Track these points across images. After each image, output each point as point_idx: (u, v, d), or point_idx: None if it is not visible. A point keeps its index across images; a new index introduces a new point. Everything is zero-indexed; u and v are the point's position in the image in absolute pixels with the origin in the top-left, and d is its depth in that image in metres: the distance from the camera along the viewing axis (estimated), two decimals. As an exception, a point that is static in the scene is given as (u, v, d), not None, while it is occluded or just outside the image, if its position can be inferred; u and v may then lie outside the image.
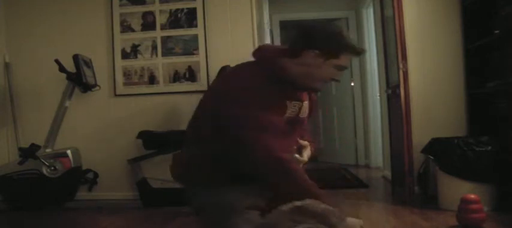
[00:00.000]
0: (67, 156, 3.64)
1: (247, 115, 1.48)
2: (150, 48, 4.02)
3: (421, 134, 3.50)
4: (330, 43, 1.56)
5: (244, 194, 1.52)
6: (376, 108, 5.54)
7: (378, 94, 5.25)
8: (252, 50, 4.14)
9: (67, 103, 3.74)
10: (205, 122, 1.59)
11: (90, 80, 3.75)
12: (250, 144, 1.45)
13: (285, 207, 1.34)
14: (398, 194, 3.61)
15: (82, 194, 3.89)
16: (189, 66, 3.97)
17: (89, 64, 3.83)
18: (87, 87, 3.73)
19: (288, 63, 1.57)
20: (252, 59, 1.68)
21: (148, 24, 4.03)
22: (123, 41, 4.04)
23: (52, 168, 3.60)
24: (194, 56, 3.96)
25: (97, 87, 3.91)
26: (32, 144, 3.63)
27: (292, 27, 1.65)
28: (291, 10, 6.21)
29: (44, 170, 3.61)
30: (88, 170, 3.84)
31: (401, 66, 3.40)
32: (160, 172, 3.59)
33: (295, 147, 1.72)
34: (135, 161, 3.73)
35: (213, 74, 3.79)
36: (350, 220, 1.43)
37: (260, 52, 1.64)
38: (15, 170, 3.63)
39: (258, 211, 1.46)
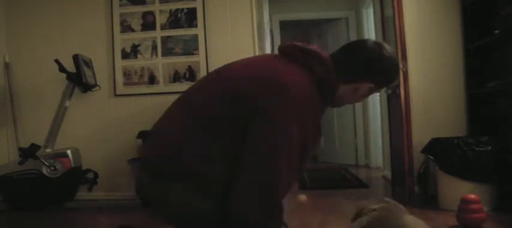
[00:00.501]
0: (67, 156, 3.64)
1: (291, 138, 1.24)
2: (150, 48, 4.02)
3: (421, 134, 3.50)
4: (389, 78, 1.48)
5: None
6: (376, 108, 5.54)
7: (378, 94, 5.25)
8: (252, 50, 4.14)
9: (67, 103, 3.74)
10: (220, 109, 1.31)
11: (90, 80, 3.75)
12: (267, 175, 1.22)
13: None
14: (398, 194, 3.61)
15: (82, 194, 3.89)
16: (189, 66, 3.97)
17: (89, 64, 3.83)
18: (87, 87, 3.73)
19: (339, 84, 1.42)
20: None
21: (148, 24, 4.03)
22: (123, 41, 4.04)
23: (52, 168, 3.60)
24: (194, 56, 3.96)
25: (97, 87, 3.91)
26: (32, 144, 3.63)
27: (351, 51, 1.44)
28: (291, 10, 6.21)
29: (44, 170, 3.61)
30: (88, 170, 3.84)
31: (401, 66, 3.40)
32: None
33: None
34: (135, 161, 3.73)
35: (213, 74, 3.79)
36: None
37: (318, 60, 1.39)
38: (15, 170, 3.63)
39: None
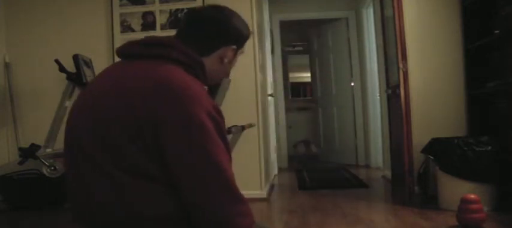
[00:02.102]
0: (67, 156, 3.63)
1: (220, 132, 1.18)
2: (150, 48, 4.01)
3: (421, 134, 3.50)
4: (244, 33, 1.42)
5: None
6: (376, 108, 5.54)
7: (378, 94, 5.25)
8: (251, 50, 4.13)
9: (67, 103, 3.73)
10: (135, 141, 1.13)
11: (90, 80, 3.75)
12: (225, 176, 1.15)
13: None
14: (398, 194, 3.62)
15: (82, 194, 3.89)
16: (189, 66, 3.97)
17: (89, 64, 3.83)
18: (87, 87, 3.73)
19: (203, 60, 1.33)
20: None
21: (148, 24, 4.02)
22: (123, 41, 4.03)
23: (52, 168, 3.60)
24: (194, 56, 3.96)
25: (97, 87, 3.91)
26: (32, 144, 3.62)
27: (196, 25, 1.37)
28: (291, 10, 6.21)
29: (44, 170, 3.60)
30: (88, 170, 3.83)
31: (401, 66, 3.40)
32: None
33: None
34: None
35: (213, 74, 3.78)
36: None
37: (179, 51, 1.28)
38: (15, 170, 3.63)
39: None
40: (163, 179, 1.15)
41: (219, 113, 1.22)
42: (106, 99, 1.20)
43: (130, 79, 1.20)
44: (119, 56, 1.34)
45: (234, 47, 1.38)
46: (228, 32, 1.37)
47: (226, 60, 1.39)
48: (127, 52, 1.30)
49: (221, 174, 1.14)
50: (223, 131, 1.21)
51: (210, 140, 1.14)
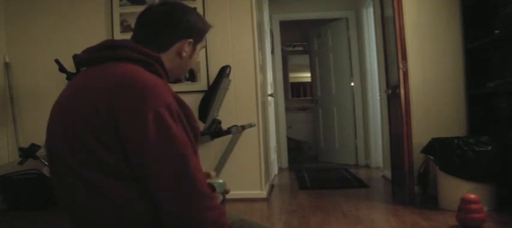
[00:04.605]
0: (67, 156, 3.63)
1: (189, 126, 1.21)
2: (150, 48, 4.01)
3: (421, 134, 3.50)
4: (200, 26, 1.42)
5: None
6: (376, 108, 5.54)
7: (378, 94, 5.25)
8: (251, 50, 4.11)
9: (67, 103, 3.74)
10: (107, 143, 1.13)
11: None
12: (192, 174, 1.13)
13: None
14: (398, 194, 3.62)
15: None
16: (189, 66, 3.96)
17: (89, 64, 3.83)
18: (87, 87, 3.72)
19: (161, 57, 1.34)
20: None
21: (148, 24, 4.02)
22: (123, 41, 4.03)
23: (52, 168, 3.60)
24: (194, 56, 3.95)
25: (97, 87, 3.91)
26: (32, 144, 3.62)
27: (150, 23, 1.38)
28: (291, 10, 6.21)
29: (44, 170, 3.60)
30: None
31: (401, 66, 3.40)
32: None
33: None
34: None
35: (213, 74, 3.79)
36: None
37: (132, 50, 1.28)
38: (15, 170, 3.63)
39: None
40: (135, 178, 1.15)
41: (181, 103, 1.23)
42: (71, 105, 1.22)
43: (91, 83, 1.22)
44: (79, 65, 1.36)
45: (191, 40, 1.39)
46: (180, 26, 1.37)
47: (185, 54, 1.39)
48: (85, 59, 1.32)
49: (183, 168, 1.13)
50: (186, 122, 1.20)
51: (169, 133, 1.13)
